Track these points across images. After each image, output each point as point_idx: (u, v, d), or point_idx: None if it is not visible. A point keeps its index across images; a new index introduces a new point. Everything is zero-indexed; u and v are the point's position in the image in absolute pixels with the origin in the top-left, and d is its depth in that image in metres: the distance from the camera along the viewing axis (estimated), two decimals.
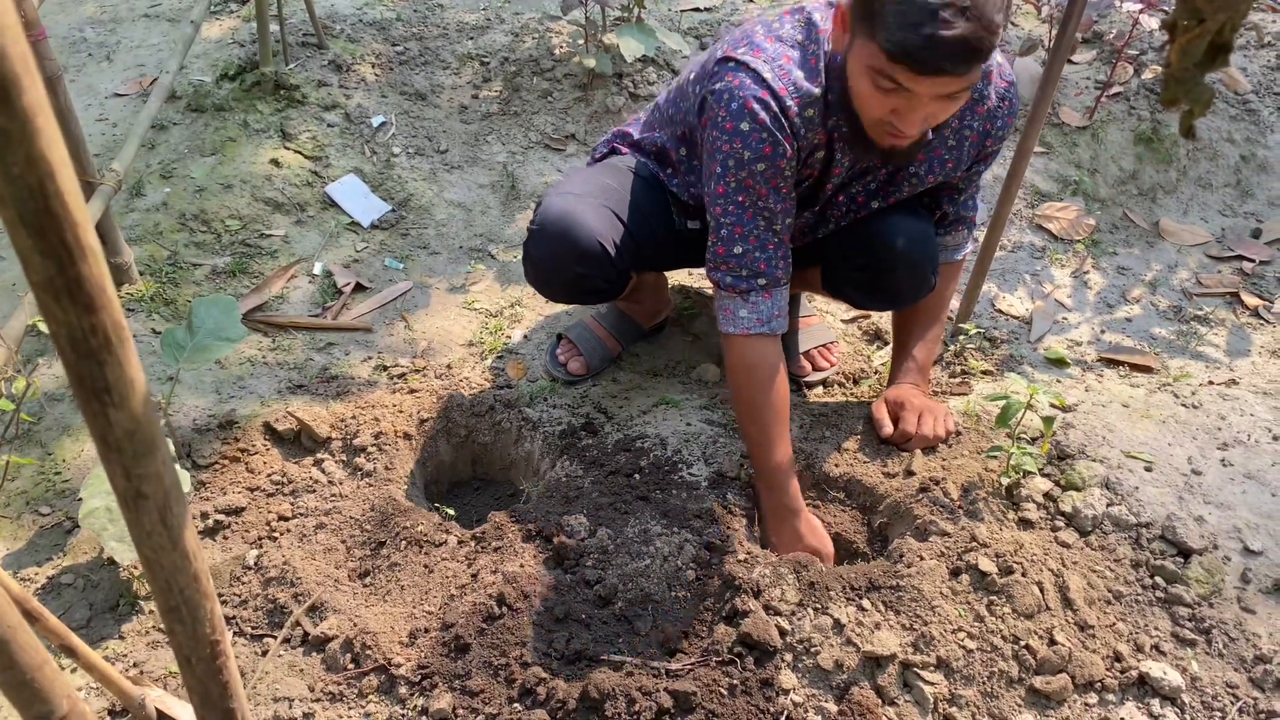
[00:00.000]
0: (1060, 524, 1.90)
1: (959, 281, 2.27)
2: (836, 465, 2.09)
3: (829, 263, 2.14)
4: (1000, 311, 2.75)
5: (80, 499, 1.74)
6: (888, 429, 2.10)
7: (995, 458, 2.01)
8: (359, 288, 2.71)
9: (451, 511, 2.06)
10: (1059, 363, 2.57)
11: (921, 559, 1.80)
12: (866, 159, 1.88)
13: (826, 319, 2.65)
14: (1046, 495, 1.95)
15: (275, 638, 1.80)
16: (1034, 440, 2.06)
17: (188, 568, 0.64)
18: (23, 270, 0.49)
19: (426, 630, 1.74)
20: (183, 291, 2.60)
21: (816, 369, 2.41)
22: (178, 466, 1.85)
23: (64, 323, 0.50)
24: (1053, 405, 2.11)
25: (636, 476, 2.03)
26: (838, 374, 2.44)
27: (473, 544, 1.90)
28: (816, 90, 1.78)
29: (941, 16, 1.49)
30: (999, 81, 1.92)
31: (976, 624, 1.71)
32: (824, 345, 2.45)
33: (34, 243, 0.47)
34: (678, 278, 2.75)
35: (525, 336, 2.55)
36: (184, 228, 2.76)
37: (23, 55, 0.43)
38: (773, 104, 1.76)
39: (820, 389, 2.40)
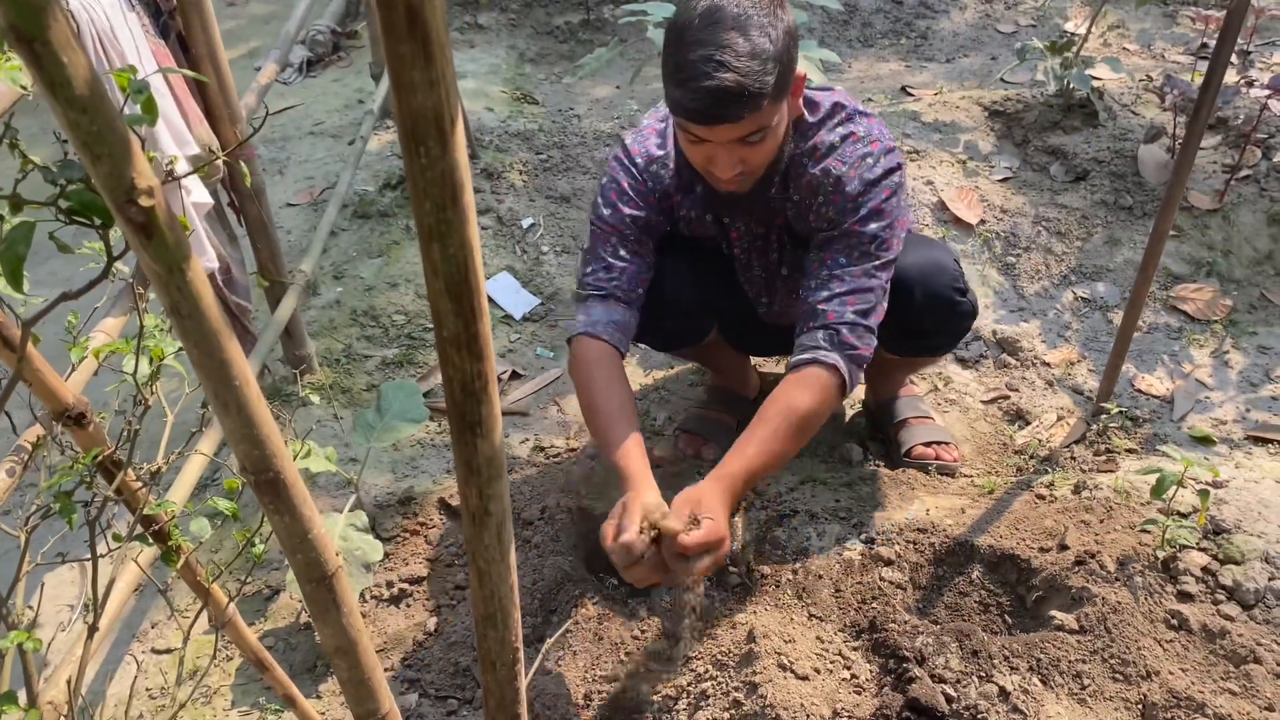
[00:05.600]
0: (1221, 597, 1.90)
1: (827, 402, 1.89)
2: (991, 542, 2.13)
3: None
4: (1140, 391, 2.76)
5: (286, 565, 1.91)
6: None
7: (1149, 531, 2.03)
8: (514, 375, 2.89)
9: (615, 581, 2.17)
10: (1205, 441, 2.57)
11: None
12: (723, 208, 2.05)
13: (950, 416, 2.71)
14: (1204, 569, 1.96)
15: (458, 699, 1.92)
16: (1187, 515, 2.07)
17: (508, 578, 0.77)
18: (434, 329, 0.63)
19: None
20: (356, 380, 2.82)
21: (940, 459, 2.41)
22: (370, 536, 2.03)
23: (459, 369, 0.65)
24: (1206, 484, 2.12)
25: None
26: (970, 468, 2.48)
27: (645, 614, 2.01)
28: (659, 152, 2.04)
29: (701, 70, 1.65)
30: (861, 145, 1.93)
31: None
32: (941, 443, 2.46)
33: (452, 306, 0.62)
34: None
35: (669, 418, 2.68)
36: (355, 323, 3.01)
37: (464, 165, 0.58)
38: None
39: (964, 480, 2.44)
